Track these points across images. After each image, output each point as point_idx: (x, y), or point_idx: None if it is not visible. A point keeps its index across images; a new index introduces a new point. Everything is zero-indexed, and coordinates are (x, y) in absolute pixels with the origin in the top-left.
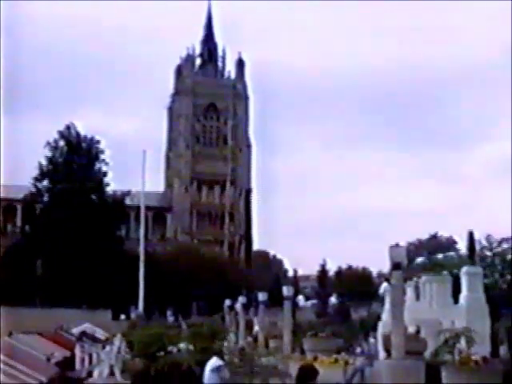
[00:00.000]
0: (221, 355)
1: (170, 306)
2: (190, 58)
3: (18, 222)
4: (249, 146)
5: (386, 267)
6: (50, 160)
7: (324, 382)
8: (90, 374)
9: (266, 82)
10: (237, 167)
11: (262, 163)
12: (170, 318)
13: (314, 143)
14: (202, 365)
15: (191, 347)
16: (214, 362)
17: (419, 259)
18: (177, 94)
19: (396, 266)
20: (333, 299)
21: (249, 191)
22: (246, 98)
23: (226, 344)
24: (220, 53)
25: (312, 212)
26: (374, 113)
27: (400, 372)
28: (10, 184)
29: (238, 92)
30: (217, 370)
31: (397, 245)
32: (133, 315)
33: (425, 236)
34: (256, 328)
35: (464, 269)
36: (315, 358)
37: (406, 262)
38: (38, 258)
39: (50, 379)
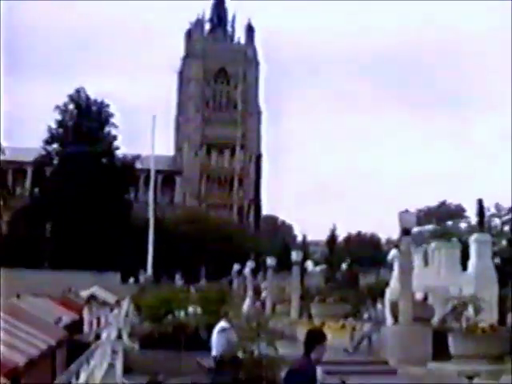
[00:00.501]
0: (228, 319)
1: (179, 270)
2: (199, 23)
3: (28, 185)
4: (259, 112)
5: (395, 234)
6: (60, 123)
7: (331, 347)
8: (98, 337)
9: (275, 48)
10: (247, 132)
11: (271, 129)
12: (179, 282)
13: (323, 108)
14: (209, 328)
15: (199, 311)
16: (221, 324)
17: (428, 226)
18: (187, 57)
19: (405, 231)
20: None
21: (259, 156)
22: (257, 63)
23: (233, 308)
24: (230, 18)
25: (321, 178)
26: (386, 76)
27: (407, 338)
28: (20, 147)
29: (248, 57)
30: (224, 332)
31: (406, 211)
32: (141, 279)
33: (434, 203)
34: (264, 294)
35: (473, 236)
36: (323, 324)
37: (415, 228)
38: (47, 220)
39: (58, 341)
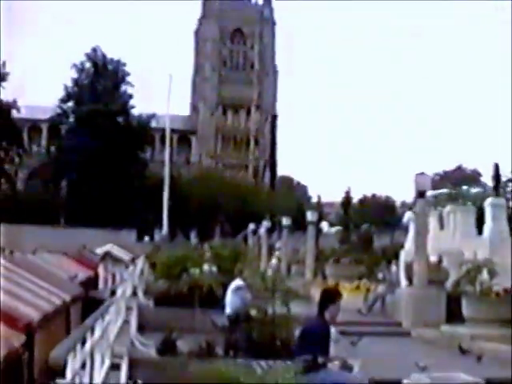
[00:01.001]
0: (243, 277)
1: (194, 229)
2: None
3: (43, 143)
4: (275, 72)
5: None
6: (76, 82)
7: (345, 308)
8: (113, 293)
9: (292, 8)
10: (263, 92)
11: (287, 89)
12: (194, 241)
13: (340, 68)
14: (224, 286)
15: (214, 269)
16: (236, 283)
17: (443, 190)
18: (204, 17)
19: (421, 194)
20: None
21: (274, 117)
22: (273, 23)
23: (248, 266)
24: None
25: (337, 139)
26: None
27: (421, 300)
28: (35, 105)
29: (264, 17)
30: (238, 290)
31: (422, 173)
32: (156, 237)
33: (450, 167)
34: (278, 252)
35: (488, 200)
36: (337, 284)
37: (430, 192)
38: (63, 178)
39: (73, 297)
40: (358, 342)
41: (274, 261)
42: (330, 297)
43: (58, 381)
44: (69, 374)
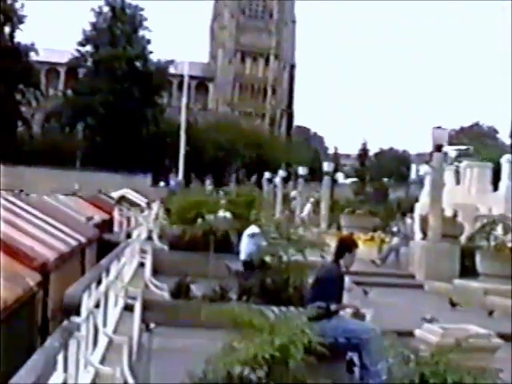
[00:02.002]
0: (258, 224)
1: (209, 176)
2: None
3: (60, 86)
4: (293, 21)
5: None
6: (94, 25)
7: (359, 259)
8: (128, 236)
9: None
10: (281, 42)
11: (305, 40)
12: (209, 187)
13: (360, 20)
14: (239, 232)
15: (229, 215)
16: (251, 229)
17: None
18: None
19: (438, 147)
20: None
21: (292, 66)
22: None
23: (263, 214)
24: None
25: (355, 91)
26: None
27: (435, 254)
28: (53, 48)
29: None
30: (253, 237)
31: (439, 127)
32: (172, 182)
33: (467, 123)
34: (293, 202)
35: (505, 157)
36: (351, 235)
37: (447, 145)
38: (80, 121)
39: (88, 239)
40: (370, 292)
41: (308, 206)
42: (347, 245)
43: (72, 318)
44: (83, 312)
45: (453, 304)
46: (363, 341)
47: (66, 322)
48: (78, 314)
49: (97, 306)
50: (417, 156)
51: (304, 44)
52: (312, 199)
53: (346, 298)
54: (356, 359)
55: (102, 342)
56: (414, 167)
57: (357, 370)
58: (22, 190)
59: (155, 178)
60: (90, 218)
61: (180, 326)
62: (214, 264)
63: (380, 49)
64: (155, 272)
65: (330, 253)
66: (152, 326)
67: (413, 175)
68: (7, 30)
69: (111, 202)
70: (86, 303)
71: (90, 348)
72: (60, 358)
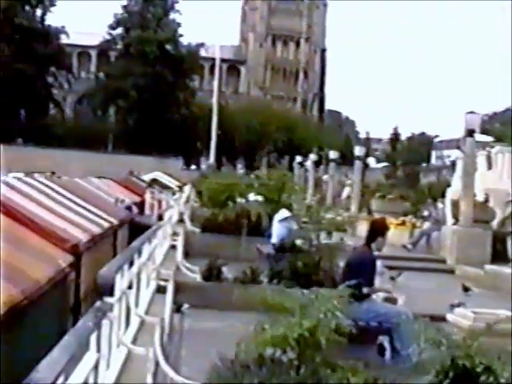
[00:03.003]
0: (289, 208)
1: (240, 159)
2: None
3: (92, 69)
4: (325, 4)
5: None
6: (126, 8)
7: (390, 243)
8: (160, 218)
9: None
10: (312, 25)
11: (337, 23)
12: (240, 171)
13: (391, 3)
14: (270, 215)
15: (260, 199)
16: (282, 212)
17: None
18: None
19: (470, 132)
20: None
21: (323, 50)
22: None
23: (294, 197)
24: None
25: (387, 75)
26: None
27: (466, 239)
28: (85, 31)
29: None
30: (285, 220)
31: (472, 112)
32: (203, 165)
33: (500, 108)
34: (349, 181)
35: None
36: (382, 219)
37: (479, 130)
38: (111, 104)
39: (120, 221)
40: (398, 278)
41: (347, 189)
42: (380, 229)
43: (105, 299)
44: (117, 292)
45: (465, 289)
46: (394, 325)
47: (99, 303)
48: (111, 294)
49: (129, 287)
50: (439, 142)
51: (335, 27)
52: (349, 182)
53: (377, 282)
54: (387, 343)
55: (134, 322)
56: (434, 153)
57: (388, 353)
58: (53, 173)
59: (187, 161)
60: (121, 200)
61: (211, 308)
62: (245, 247)
63: (413, 32)
64: (186, 254)
65: (359, 236)
66: (185, 307)
67: (433, 161)
68: (39, 12)
69: (143, 185)
70: (119, 284)
71: (122, 328)
72: (93, 338)
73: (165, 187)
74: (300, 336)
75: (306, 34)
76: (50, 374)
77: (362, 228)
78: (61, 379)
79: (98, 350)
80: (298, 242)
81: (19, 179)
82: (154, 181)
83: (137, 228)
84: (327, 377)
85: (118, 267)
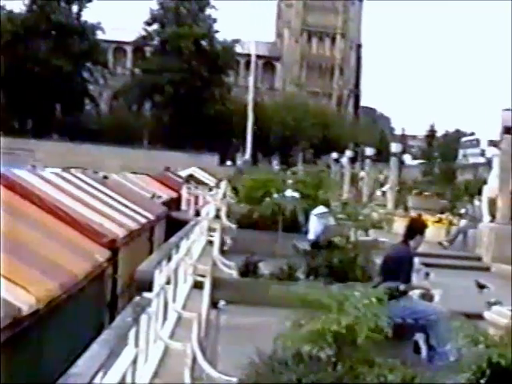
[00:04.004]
0: (326, 204)
1: (276, 155)
2: None
3: (128, 65)
4: (360, 0)
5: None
6: (161, 4)
7: (426, 240)
8: (196, 214)
9: None
10: (348, 20)
11: (373, 19)
12: (276, 167)
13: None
14: (307, 212)
15: (296, 195)
16: (319, 209)
17: None
18: None
19: (507, 130)
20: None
21: (359, 46)
22: None
23: (330, 194)
24: None
25: (423, 72)
26: None
27: (503, 236)
28: (120, 27)
29: None
30: (322, 216)
31: (509, 109)
32: (239, 161)
33: None
34: (361, 183)
35: None
36: (420, 216)
37: None
38: (147, 100)
39: (157, 217)
40: (429, 274)
41: (387, 186)
42: (418, 227)
43: (144, 294)
44: (155, 288)
45: (480, 286)
46: (431, 322)
47: (138, 298)
48: (149, 289)
49: (167, 282)
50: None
51: (371, 23)
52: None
53: (414, 279)
54: (423, 340)
55: (172, 318)
56: (461, 152)
57: (424, 351)
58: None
59: (222, 157)
60: (157, 196)
61: (247, 304)
62: (281, 243)
63: (450, 27)
64: (222, 250)
65: (395, 233)
66: (222, 303)
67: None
68: (75, 9)
69: (179, 181)
70: (158, 279)
71: (160, 323)
72: (132, 333)
73: (201, 183)
74: (337, 333)
75: (341, 29)
76: (90, 368)
77: (398, 225)
78: (100, 374)
79: (137, 345)
80: (335, 238)
81: (56, 174)
82: (190, 176)
83: (173, 223)
84: (364, 374)
85: (156, 263)
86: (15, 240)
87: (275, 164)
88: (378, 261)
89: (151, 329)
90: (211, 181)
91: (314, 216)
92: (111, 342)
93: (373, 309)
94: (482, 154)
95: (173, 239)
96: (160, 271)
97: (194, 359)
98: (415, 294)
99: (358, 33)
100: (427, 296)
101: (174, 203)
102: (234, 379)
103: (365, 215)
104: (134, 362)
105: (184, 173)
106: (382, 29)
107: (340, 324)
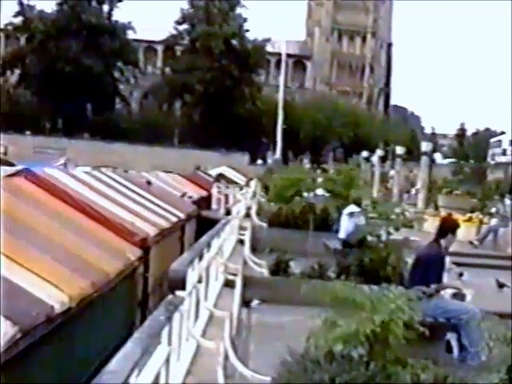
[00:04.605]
0: (358, 203)
1: (306, 154)
2: None
3: (159, 64)
4: None
5: None
6: (192, 4)
7: (457, 238)
8: (227, 213)
9: None
10: (378, 19)
11: (403, 17)
12: (306, 166)
13: None
14: (338, 211)
15: (327, 194)
16: (350, 208)
17: None
18: None
19: None
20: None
21: (389, 45)
22: None
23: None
24: None
25: (453, 70)
26: None
27: None
28: (151, 27)
29: None
30: (353, 215)
31: None
32: (269, 160)
33: None
34: (391, 182)
35: None
36: (450, 215)
37: None
38: (177, 99)
39: (187, 215)
40: (462, 274)
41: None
42: (450, 226)
43: (177, 292)
44: (188, 286)
45: (500, 285)
46: (463, 321)
47: (170, 296)
48: (182, 288)
49: (198, 281)
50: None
51: (401, 21)
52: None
53: (445, 278)
54: (454, 340)
55: (203, 316)
56: (490, 152)
57: (455, 350)
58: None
59: (252, 155)
60: (188, 195)
61: (278, 303)
62: (312, 242)
63: (480, 26)
64: (253, 249)
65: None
66: (255, 302)
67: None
68: (105, 8)
69: (209, 179)
70: (190, 278)
71: (192, 322)
72: (165, 331)
73: (231, 182)
74: (371, 332)
75: (371, 28)
76: (125, 367)
77: (429, 224)
78: (135, 372)
79: (169, 344)
80: (367, 237)
81: (87, 173)
82: (221, 175)
83: (204, 222)
84: (397, 373)
85: (189, 261)
86: (48, 239)
87: (305, 163)
88: (410, 260)
89: (183, 327)
90: (241, 180)
91: (346, 215)
92: (145, 340)
93: (407, 305)
94: (504, 153)
95: (204, 238)
96: (192, 269)
97: (226, 358)
98: (447, 293)
99: (388, 31)
100: (459, 295)
101: (205, 202)
102: (267, 378)
103: (397, 214)
104: (167, 360)
105: (214, 172)
106: (413, 27)
107: (375, 323)
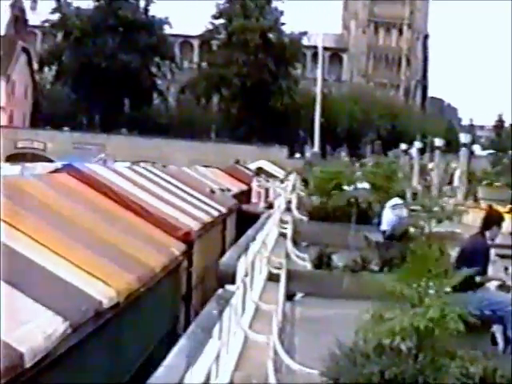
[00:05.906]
0: (402, 195)
1: (344, 147)
2: None
3: (195, 59)
4: None
5: None
6: None
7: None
8: (268, 207)
9: None
10: (415, 11)
11: (439, 9)
12: (345, 159)
13: None
14: (379, 203)
15: (367, 186)
16: (393, 200)
17: None
18: None
19: None
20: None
21: (426, 36)
22: None
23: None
24: None
25: (490, 61)
26: None
27: None
28: (187, 21)
29: None
30: (395, 208)
31: None
32: (308, 154)
33: None
34: (430, 174)
35: None
36: (489, 207)
37: None
38: (214, 93)
39: (228, 209)
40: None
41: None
42: (496, 218)
43: (227, 286)
44: (238, 280)
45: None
46: (508, 313)
47: (221, 291)
48: (232, 282)
49: (245, 275)
50: None
51: (438, 13)
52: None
53: (490, 271)
54: (500, 332)
55: (249, 310)
56: None
57: (501, 342)
58: (154, 163)
59: (290, 149)
60: (228, 189)
61: (321, 296)
62: (354, 235)
63: None
64: (294, 242)
65: (465, 224)
66: (299, 296)
67: None
68: (142, 3)
69: (248, 173)
70: (239, 271)
71: (239, 316)
72: (217, 326)
73: (270, 176)
74: (424, 327)
75: (408, 20)
76: (182, 362)
77: (469, 216)
78: (191, 368)
79: (220, 338)
80: (409, 229)
81: (128, 167)
82: (260, 169)
83: (244, 216)
84: (446, 366)
85: (238, 255)
86: (94, 234)
87: (343, 156)
88: (453, 252)
89: (232, 321)
90: (280, 173)
91: (388, 207)
92: (198, 335)
93: (456, 297)
94: None
95: (250, 232)
96: (240, 264)
97: (274, 351)
98: (492, 285)
99: (424, 23)
100: (505, 288)
101: (244, 196)
102: (315, 371)
103: (439, 206)
104: (218, 355)
105: (253, 166)
106: (449, 18)
107: (425, 316)
